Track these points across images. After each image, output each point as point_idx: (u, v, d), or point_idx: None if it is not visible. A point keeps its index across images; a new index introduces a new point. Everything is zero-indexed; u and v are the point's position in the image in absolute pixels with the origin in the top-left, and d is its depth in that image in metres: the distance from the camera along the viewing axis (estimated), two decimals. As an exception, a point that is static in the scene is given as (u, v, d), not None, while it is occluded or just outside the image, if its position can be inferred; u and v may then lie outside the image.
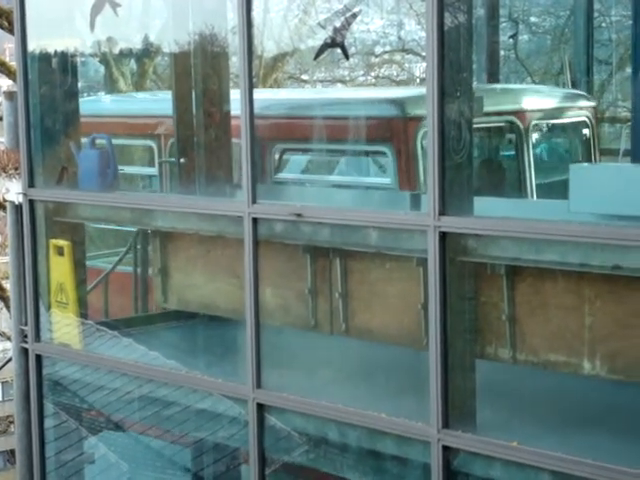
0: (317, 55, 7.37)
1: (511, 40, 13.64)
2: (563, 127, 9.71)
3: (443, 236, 5.62)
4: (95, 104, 11.20)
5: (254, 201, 6.43)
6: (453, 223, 5.59)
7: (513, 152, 9.00)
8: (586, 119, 9.49)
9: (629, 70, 9.30)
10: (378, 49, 14.16)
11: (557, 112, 9.49)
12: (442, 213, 5.59)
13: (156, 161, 9.69)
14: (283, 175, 9.21)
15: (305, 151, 9.41)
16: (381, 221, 6.05)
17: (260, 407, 6.52)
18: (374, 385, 6.62)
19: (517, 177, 8.89)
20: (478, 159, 9.05)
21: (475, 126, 8.79)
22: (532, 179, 8.85)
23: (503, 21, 12.97)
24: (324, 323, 6.80)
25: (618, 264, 5.14)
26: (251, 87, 6.41)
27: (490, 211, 5.97)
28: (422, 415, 5.74)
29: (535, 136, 9.18)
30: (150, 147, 9.84)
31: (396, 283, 6.43)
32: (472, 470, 5.69)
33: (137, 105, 11.74)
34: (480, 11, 9.37)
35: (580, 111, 9.53)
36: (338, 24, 7.12)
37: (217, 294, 7.57)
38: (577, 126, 9.58)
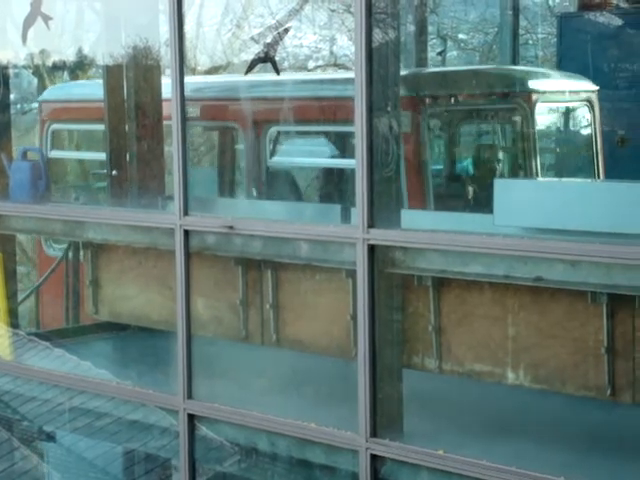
0: (248, 70, 7.44)
1: (439, 56, 13.86)
2: (566, 109, 9.77)
3: (371, 248, 5.72)
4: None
5: (186, 213, 6.48)
6: (381, 236, 5.69)
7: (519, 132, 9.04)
8: (587, 103, 9.61)
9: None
10: (311, 64, 14.28)
11: (561, 95, 9.53)
12: (371, 226, 5.69)
13: None
14: (278, 159, 9.08)
15: (302, 134, 9.25)
16: (311, 234, 6.13)
17: (191, 417, 6.57)
18: (305, 395, 6.69)
19: (523, 157, 8.94)
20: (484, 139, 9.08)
21: (481, 107, 8.99)
22: (537, 159, 8.89)
23: (432, 37, 13.18)
24: (255, 334, 6.87)
25: (540, 276, 5.27)
26: (183, 100, 6.46)
27: (420, 224, 6.10)
28: (351, 424, 5.83)
29: (540, 118, 9.23)
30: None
31: (326, 294, 6.53)
32: (399, 478, 5.78)
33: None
34: (409, 27, 9.51)
35: (582, 94, 9.64)
36: (270, 39, 7.21)
37: (149, 305, 7.60)
38: (578, 109, 9.68)
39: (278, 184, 9.29)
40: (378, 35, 5.71)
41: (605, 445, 5.65)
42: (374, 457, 5.75)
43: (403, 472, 5.74)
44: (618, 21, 10.37)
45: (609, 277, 5.01)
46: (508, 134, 9.52)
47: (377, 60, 5.66)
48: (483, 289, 5.84)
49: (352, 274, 5.92)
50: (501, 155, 9.33)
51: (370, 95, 5.62)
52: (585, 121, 9.79)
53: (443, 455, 5.52)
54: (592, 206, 5.97)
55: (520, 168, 9.13)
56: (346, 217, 7.01)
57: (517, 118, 9.19)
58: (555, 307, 5.55)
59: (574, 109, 9.86)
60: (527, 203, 5.98)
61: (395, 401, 5.85)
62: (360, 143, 5.65)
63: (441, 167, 9.13)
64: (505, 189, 6.29)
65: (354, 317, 5.97)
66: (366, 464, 5.76)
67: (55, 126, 10.89)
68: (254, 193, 9.10)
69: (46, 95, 11.97)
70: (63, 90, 12.21)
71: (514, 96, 9.13)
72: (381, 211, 5.71)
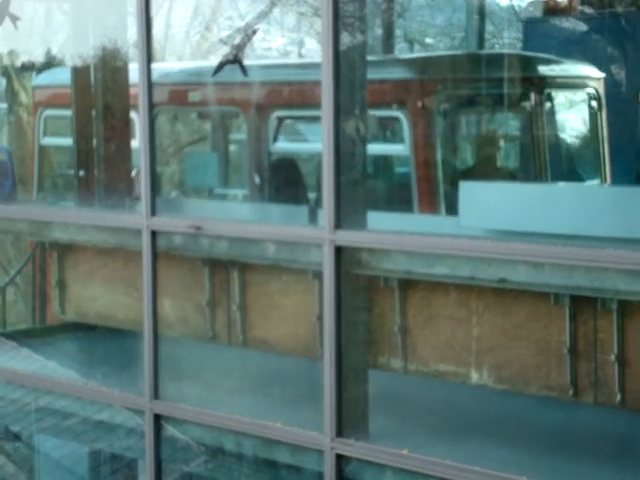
0: (215, 71, 7.47)
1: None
2: (574, 97, 9.75)
3: (338, 250, 5.76)
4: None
5: (153, 213, 6.50)
6: (348, 237, 5.72)
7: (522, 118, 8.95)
8: (594, 91, 9.64)
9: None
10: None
11: (570, 81, 9.49)
12: (337, 227, 5.73)
13: None
14: (281, 145, 8.93)
15: (305, 119, 8.99)
16: (278, 235, 6.16)
17: (157, 418, 6.58)
18: (271, 395, 6.72)
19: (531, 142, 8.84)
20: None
21: (492, 92, 8.90)
22: (546, 145, 8.85)
23: (399, 41, 13.22)
24: (222, 334, 6.89)
25: (504, 277, 5.33)
26: (151, 101, 6.48)
27: (387, 226, 6.14)
28: (317, 424, 5.87)
29: (548, 103, 9.15)
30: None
31: (293, 295, 6.56)
32: (364, 478, 5.82)
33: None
34: (377, 31, 9.57)
35: (590, 82, 9.62)
36: (238, 41, 7.24)
37: (116, 306, 7.61)
38: (586, 97, 9.67)
39: (280, 171, 9.15)
40: (346, 39, 5.75)
41: (567, 445, 5.71)
42: (339, 457, 5.78)
43: (368, 472, 5.78)
44: (583, 26, 10.49)
45: (571, 279, 5.07)
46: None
47: (344, 63, 5.70)
48: (448, 290, 5.90)
49: (319, 275, 5.95)
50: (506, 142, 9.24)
51: (337, 98, 5.66)
52: (591, 109, 9.81)
53: (407, 455, 5.56)
54: (555, 208, 6.04)
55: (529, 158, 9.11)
56: (314, 218, 7.05)
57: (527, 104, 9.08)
58: (519, 308, 5.62)
59: (582, 95, 9.85)
60: (492, 205, 6.05)
61: (361, 401, 5.89)
62: (327, 146, 5.68)
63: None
64: (470, 191, 6.34)
65: (320, 318, 6.01)
66: (331, 464, 5.79)
67: (48, 112, 10.45)
68: (256, 180, 8.98)
69: (39, 80, 11.49)
70: (57, 75, 11.21)
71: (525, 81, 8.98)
72: (347, 212, 5.76)
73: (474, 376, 5.82)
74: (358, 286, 5.89)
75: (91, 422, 7.19)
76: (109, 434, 7.17)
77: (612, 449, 5.69)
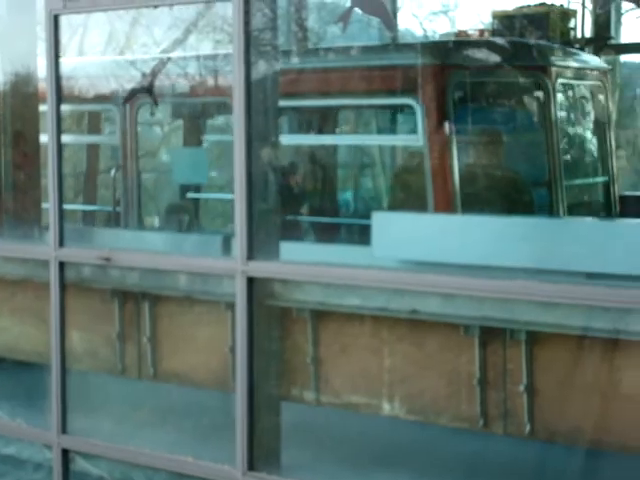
0: (126, 100, 7.41)
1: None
2: (583, 87, 9.78)
3: (250, 281, 5.71)
4: None
5: (61, 244, 6.38)
6: (260, 268, 5.69)
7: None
8: (601, 83, 9.66)
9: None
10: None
11: (579, 72, 9.48)
12: (250, 258, 5.69)
13: None
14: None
15: (303, 111, 8.72)
16: (190, 266, 6.10)
17: (65, 452, 6.45)
18: (183, 429, 6.63)
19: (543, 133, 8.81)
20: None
21: (500, 80, 8.82)
22: (557, 135, 8.82)
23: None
24: (132, 368, 6.79)
25: (416, 309, 5.34)
26: (59, 126, 6.37)
27: (303, 257, 6.11)
28: (229, 458, 5.79)
29: (560, 94, 9.16)
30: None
31: (205, 327, 6.49)
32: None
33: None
34: (294, 60, 9.58)
35: (597, 72, 9.68)
36: (150, 69, 7.19)
37: (24, 338, 7.46)
38: (594, 88, 9.73)
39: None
40: (257, 66, 5.73)
41: (478, 475, 5.73)
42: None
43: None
44: (496, 57, 10.59)
45: (481, 310, 5.10)
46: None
47: (255, 91, 5.67)
48: (361, 321, 5.88)
49: (231, 306, 5.89)
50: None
51: (249, 127, 5.63)
52: (598, 100, 9.89)
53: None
54: (468, 239, 6.08)
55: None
56: (227, 248, 7.00)
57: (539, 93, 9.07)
58: (430, 339, 5.62)
59: (590, 87, 9.90)
60: (405, 236, 6.06)
61: (273, 434, 5.84)
62: (239, 175, 5.64)
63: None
64: (383, 222, 6.36)
65: (233, 349, 5.95)
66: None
67: None
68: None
69: None
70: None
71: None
72: (260, 243, 5.72)
73: (386, 407, 5.81)
74: (271, 317, 5.85)
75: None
76: (17, 469, 7.01)
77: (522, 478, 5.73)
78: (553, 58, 9.35)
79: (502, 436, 5.52)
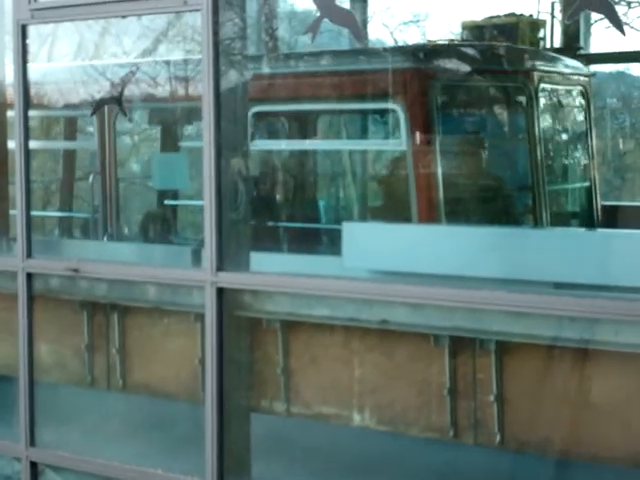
0: (94, 111, 7.37)
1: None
2: (565, 93, 9.79)
3: (220, 292, 5.68)
4: None
5: (29, 255, 6.33)
6: (230, 279, 5.66)
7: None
8: (582, 88, 9.64)
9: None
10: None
11: (561, 77, 9.50)
12: (219, 269, 5.66)
13: None
14: (262, 142, 8.59)
15: (288, 115, 8.60)
16: (159, 277, 6.06)
17: (34, 465, 6.39)
18: (153, 440, 6.60)
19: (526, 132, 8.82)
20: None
21: (485, 84, 8.81)
22: (539, 138, 8.81)
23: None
24: (101, 379, 6.74)
25: (385, 319, 5.33)
26: (27, 136, 6.32)
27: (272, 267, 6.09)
28: (198, 469, 5.76)
29: (542, 99, 9.15)
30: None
31: (174, 338, 6.46)
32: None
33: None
34: (265, 69, 9.56)
35: (579, 78, 9.69)
36: (118, 79, 7.16)
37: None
38: (576, 94, 9.75)
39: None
40: (227, 77, 5.72)
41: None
42: (222, 503, 5.69)
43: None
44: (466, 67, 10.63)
45: (451, 320, 5.09)
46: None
47: (225, 102, 5.65)
48: (331, 332, 5.87)
49: (201, 317, 5.87)
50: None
51: (219, 137, 5.61)
52: (580, 105, 9.91)
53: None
54: (437, 249, 6.08)
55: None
56: (197, 259, 6.97)
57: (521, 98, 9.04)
58: (400, 349, 5.62)
59: (572, 92, 9.92)
60: (374, 246, 6.06)
61: (243, 445, 5.81)
62: (208, 186, 5.62)
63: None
64: (353, 232, 6.36)
65: (202, 361, 5.92)
66: (213, 510, 5.69)
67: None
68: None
69: None
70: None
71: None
72: (230, 254, 5.69)
73: (356, 418, 5.79)
74: (241, 328, 5.82)
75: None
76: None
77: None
78: (536, 63, 9.38)
79: (473, 446, 5.52)
